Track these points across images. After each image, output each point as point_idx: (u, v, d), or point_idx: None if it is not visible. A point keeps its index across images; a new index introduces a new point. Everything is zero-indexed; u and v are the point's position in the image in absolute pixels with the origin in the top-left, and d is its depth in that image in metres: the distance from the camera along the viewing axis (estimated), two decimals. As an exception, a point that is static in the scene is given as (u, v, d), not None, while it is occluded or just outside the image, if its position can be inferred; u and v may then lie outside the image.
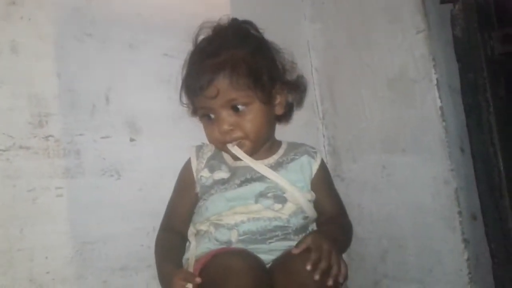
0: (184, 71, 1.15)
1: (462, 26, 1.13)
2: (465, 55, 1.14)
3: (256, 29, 1.19)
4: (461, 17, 1.13)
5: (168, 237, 1.13)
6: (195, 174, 1.16)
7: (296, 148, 1.20)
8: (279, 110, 1.16)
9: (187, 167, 1.19)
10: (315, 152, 1.21)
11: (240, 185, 1.11)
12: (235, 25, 1.17)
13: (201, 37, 1.17)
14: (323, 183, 1.19)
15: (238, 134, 1.09)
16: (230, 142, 1.10)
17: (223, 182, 1.12)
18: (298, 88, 1.20)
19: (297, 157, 1.18)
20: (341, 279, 0.95)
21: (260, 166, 1.12)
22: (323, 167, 1.21)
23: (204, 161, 1.16)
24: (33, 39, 1.13)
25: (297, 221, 1.10)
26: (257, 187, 1.10)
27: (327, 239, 0.98)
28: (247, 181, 1.11)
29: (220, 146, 1.13)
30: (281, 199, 1.10)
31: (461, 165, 1.22)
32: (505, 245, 1.09)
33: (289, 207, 1.10)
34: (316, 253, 0.93)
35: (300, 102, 1.23)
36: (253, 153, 1.12)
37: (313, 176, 1.17)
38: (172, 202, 1.18)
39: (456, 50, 1.17)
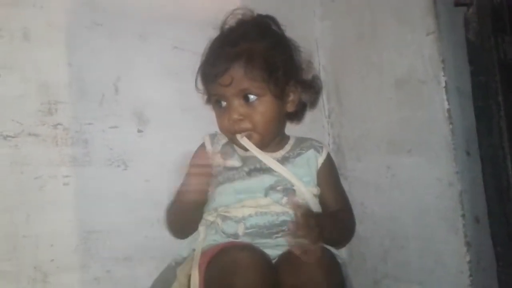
0: (203, 58, 1.17)
1: (475, 29, 1.13)
2: (478, 58, 1.14)
3: (278, 26, 1.20)
4: (475, 20, 1.13)
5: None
6: (210, 155, 1.16)
7: (302, 143, 1.21)
8: (290, 107, 1.17)
9: (201, 150, 1.19)
10: (321, 147, 1.21)
11: (249, 174, 1.12)
12: (257, 19, 1.19)
13: (226, 26, 1.18)
14: (328, 177, 1.20)
15: (247, 125, 1.10)
16: (239, 132, 1.11)
17: (233, 169, 1.13)
18: (312, 88, 1.21)
19: (304, 151, 1.19)
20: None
21: (267, 159, 1.12)
22: (328, 161, 1.21)
23: (219, 147, 1.17)
24: (45, 27, 1.14)
25: (303, 216, 1.10)
26: (267, 180, 1.10)
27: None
28: (256, 170, 1.12)
29: (229, 135, 1.14)
30: (289, 192, 1.10)
31: (466, 168, 1.22)
32: (511, 248, 1.10)
33: None
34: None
35: (313, 102, 1.23)
36: (261, 146, 1.12)
37: (318, 169, 1.18)
38: (184, 182, 1.15)
39: (469, 53, 1.17)
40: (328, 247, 1.08)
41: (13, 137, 1.06)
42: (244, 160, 1.14)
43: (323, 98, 1.55)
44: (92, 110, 1.17)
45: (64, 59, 1.15)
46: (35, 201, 1.08)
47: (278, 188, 1.10)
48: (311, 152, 1.19)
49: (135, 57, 1.25)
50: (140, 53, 1.26)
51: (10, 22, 1.09)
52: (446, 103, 1.22)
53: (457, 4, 1.15)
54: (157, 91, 1.27)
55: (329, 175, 1.21)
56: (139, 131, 1.23)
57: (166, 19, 1.30)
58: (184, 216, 1.11)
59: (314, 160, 1.18)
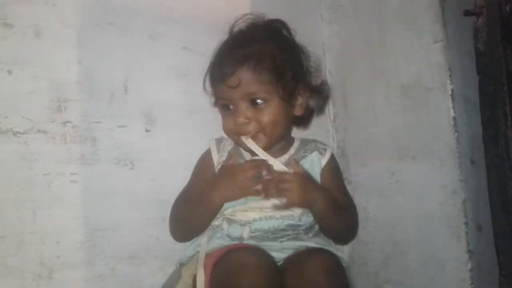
0: (212, 59, 1.17)
1: (485, 39, 1.14)
2: (486, 68, 1.15)
3: (289, 30, 1.21)
4: (484, 30, 1.14)
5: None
6: (215, 164, 1.17)
7: (306, 145, 1.21)
8: (298, 111, 1.16)
9: (207, 155, 1.19)
10: (325, 149, 1.21)
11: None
12: (268, 23, 1.19)
13: (235, 30, 1.19)
14: (331, 178, 1.20)
15: (253, 127, 1.10)
16: (245, 134, 1.10)
17: None
18: (320, 93, 1.21)
19: (307, 154, 1.19)
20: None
21: (272, 160, 1.12)
22: (331, 162, 1.21)
23: (225, 154, 1.17)
24: (56, 25, 1.14)
25: (307, 219, 1.11)
26: None
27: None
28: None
29: (235, 138, 1.14)
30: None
31: (470, 176, 1.23)
32: (514, 257, 1.11)
33: None
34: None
35: (320, 108, 1.24)
36: (266, 148, 1.12)
37: (321, 171, 1.18)
38: (192, 183, 1.18)
39: (477, 62, 1.18)
40: (333, 250, 1.09)
41: (22, 133, 1.07)
42: None
43: (329, 103, 1.56)
44: (101, 109, 1.17)
45: (75, 57, 1.15)
46: (42, 197, 1.08)
47: None
48: (314, 154, 1.19)
49: (145, 57, 1.25)
50: (149, 53, 1.26)
51: (22, 19, 1.09)
52: (452, 111, 1.23)
53: (466, 14, 1.16)
54: (166, 91, 1.27)
55: (332, 175, 1.21)
56: (147, 130, 1.23)
57: (176, 20, 1.31)
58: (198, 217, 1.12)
59: (317, 162, 1.19)
